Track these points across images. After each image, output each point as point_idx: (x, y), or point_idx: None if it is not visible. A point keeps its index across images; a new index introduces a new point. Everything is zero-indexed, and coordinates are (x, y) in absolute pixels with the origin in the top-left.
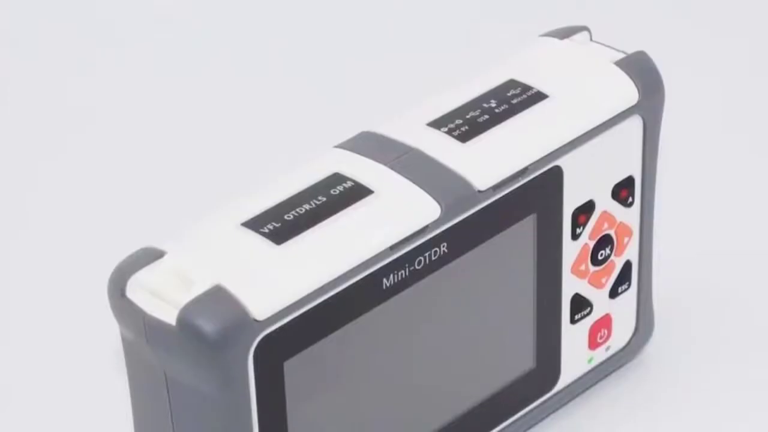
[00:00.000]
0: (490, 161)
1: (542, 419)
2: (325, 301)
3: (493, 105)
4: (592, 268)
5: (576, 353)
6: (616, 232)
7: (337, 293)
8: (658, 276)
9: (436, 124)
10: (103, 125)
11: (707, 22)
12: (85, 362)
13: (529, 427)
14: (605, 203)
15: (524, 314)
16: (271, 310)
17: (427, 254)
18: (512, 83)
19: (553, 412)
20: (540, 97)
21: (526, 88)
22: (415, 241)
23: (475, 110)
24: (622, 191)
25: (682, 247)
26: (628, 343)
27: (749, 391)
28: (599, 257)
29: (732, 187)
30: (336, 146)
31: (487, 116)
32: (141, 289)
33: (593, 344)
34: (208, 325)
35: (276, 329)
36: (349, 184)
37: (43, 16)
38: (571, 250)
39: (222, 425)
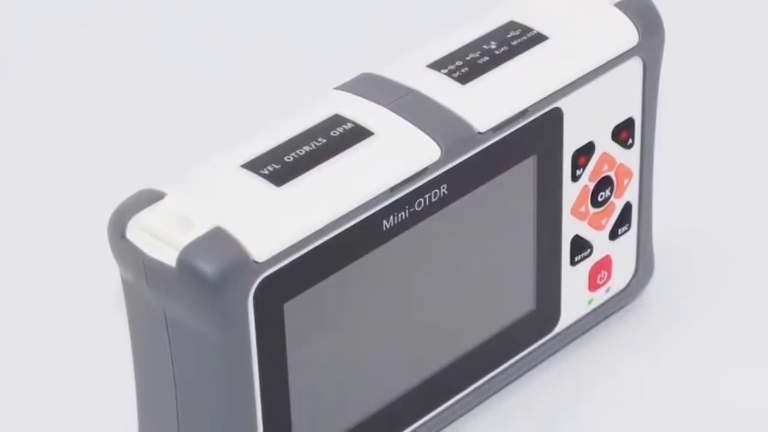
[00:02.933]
0: (490, 103)
1: (542, 361)
2: (325, 242)
3: (493, 47)
4: (592, 210)
5: (576, 295)
6: (616, 174)
7: (337, 235)
8: (658, 218)
9: (436, 65)
10: (104, 68)
11: None
12: (85, 304)
13: (529, 369)
14: (605, 145)
15: (524, 256)
16: (271, 251)
17: (427, 196)
18: (512, 25)
19: (553, 353)
20: (540, 38)
21: (526, 29)
22: (415, 183)
23: (475, 52)
24: (622, 133)
25: (682, 189)
26: (628, 284)
27: (749, 332)
28: (599, 199)
29: (732, 129)
30: (336, 88)
31: (487, 58)
32: (141, 231)
33: (593, 286)
34: (208, 267)
35: (276, 271)
36: (349, 125)
37: None
38: (571, 192)
39: (222, 366)
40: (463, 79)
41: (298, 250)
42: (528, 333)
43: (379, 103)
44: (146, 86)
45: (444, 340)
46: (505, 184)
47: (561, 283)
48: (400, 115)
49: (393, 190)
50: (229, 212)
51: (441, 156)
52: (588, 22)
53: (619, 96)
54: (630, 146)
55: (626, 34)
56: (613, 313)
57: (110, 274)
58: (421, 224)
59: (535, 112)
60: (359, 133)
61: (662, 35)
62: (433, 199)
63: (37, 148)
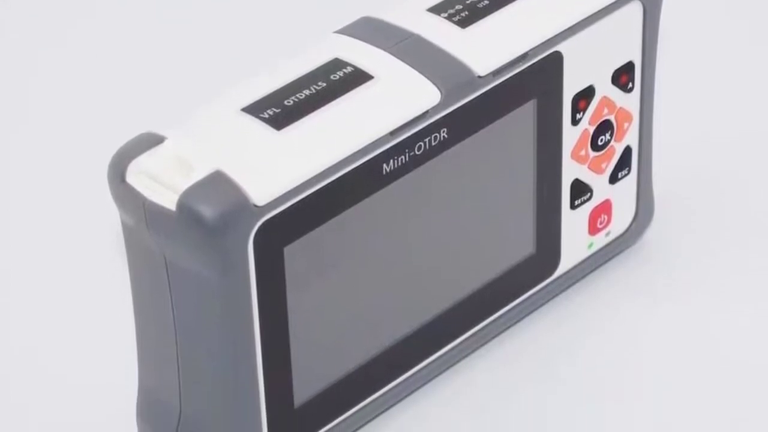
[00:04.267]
0: (491, 46)
1: (542, 304)
2: (325, 186)
3: None
4: (592, 154)
5: (576, 239)
6: (616, 118)
7: (337, 179)
8: (658, 161)
9: (437, 9)
10: (105, 10)
11: None
12: (85, 248)
13: (529, 313)
14: (605, 88)
15: (524, 200)
16: (271, 195)
17: (427, 140)
18: None
19: (553, 297)
20: None
21: None
22: (415, 127)
23: None
24: (622, 76)
25: (682, 133)
26: (628, 228)
27: (748, 276)
28: (599, 143)
29: (732, 72)
30: (336, 32)
31: (487, 1)
32: (141, 175)
33: (593, 230)
34: (208, 211)
35: (276, 214)
36: (349, 69)
37: None
38: (571, 136)
39: (222, 310)
40: (464, 23)
41: (298, 193)
42: (528, 277)
43: (379, 46)
44: (147, 29)
45: (444, 284)
46: (505, 127)
47: (561, 226)
48: (401, 59)
49: (393, 133)
50: (230, 156)
51: (441, 100)
52: None
53: (619, 40)
54: (630, 90)
55: None
56: (613, 256)
57: (110, 218)
58: (421, 168)
59: (535, 55)
60: (359, 77)
61: None
62: (433, 143)
63: (37, 90)
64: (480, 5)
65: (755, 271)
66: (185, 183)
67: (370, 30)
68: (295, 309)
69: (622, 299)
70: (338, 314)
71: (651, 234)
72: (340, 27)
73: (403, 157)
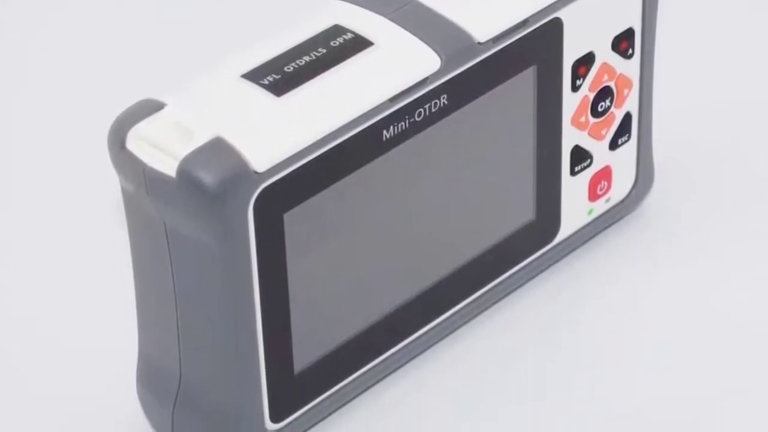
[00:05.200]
0: (491, 13)
1: (542, 271)
2: (325, 153)
3: None
4: (592, 120)
5: (576, 205)
6: (616, 84)
7: (337, 145)
8: (658, 128)
9: None
10: None
11: None
12: (86, 214)
13: (529, 279)
14: (605, 55)
15: (524, 166)
16: (271, 161)
17: (427, 106)
18: None
19: (553, 263)
20: None
21: None
22: (415, 93)
23: None
24: (622, 43)
25: (682, 100)
26: (628, 194)
27: (747, 242)
28: (599, 109)
29: (732, 39)
30: None
31: None
32: (141, 141)
33: (593, 196)
34: (208, 177)
35: (276, 181)
36: (349, 36)
37: None
38: (571, 102)
39: (222, 276)
40: None
41: (298, 160)
42: (528, 243)
43: (379, 13)
44: None
45: (444, 251)
46: (505, 94)
47: (561, 193)
48: (400, 25)
49: (393, 100)
50: (230, 122)
51: (441, 66)
52: None
53: (619, 6)
54: (630, 56)
55: None
56: (613, 223)
57: (110, 185)
58: (420, 134)
59: (535, 22)
60: (359, 44)
61: None
62: (433, 110)
63: (37, 57)
64: None
65: (754, 237)
66: (185, 149)
67: None
68: (295, 275)
69: (622, 265)
70: (338, 281)
71: (651, 200)
72: None
73: (402, 123)
